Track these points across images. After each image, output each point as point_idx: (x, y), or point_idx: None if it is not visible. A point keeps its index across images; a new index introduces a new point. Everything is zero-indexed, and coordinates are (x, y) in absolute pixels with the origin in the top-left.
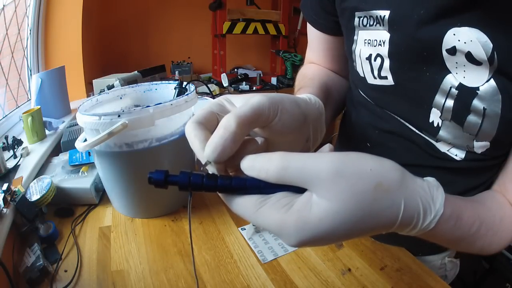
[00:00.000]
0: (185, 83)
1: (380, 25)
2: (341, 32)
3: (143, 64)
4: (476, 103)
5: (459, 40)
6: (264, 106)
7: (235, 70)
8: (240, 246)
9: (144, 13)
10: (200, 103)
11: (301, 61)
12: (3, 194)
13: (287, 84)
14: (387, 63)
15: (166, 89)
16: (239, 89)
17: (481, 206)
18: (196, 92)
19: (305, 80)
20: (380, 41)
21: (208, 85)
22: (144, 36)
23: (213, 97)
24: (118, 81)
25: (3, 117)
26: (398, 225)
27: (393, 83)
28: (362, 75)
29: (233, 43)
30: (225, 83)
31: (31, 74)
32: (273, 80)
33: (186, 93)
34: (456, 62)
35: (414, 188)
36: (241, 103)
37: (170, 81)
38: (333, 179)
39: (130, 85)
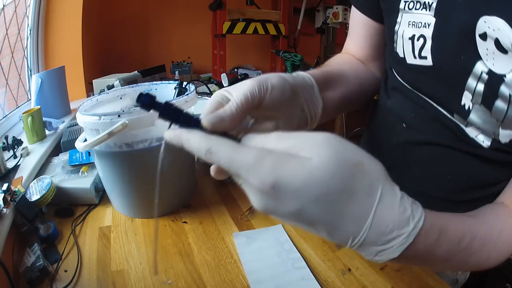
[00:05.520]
0: (185, 83)
1: (426, 10)
2: (382, 19)
3: (143, 64)
4: (503, 89)
5: (489, 27)
6: (254, 88)
7: (235, 70)
8: None
9: (144, 13)
10: (200, 103)
11: (301, 61)
12: (3, 194)
13: None
14: (429, 44)
15: (166, 89)
16: None
17: (473, 219)
18: (196, 92)
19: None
20: (425, 23)
21: (208, 85)
22: (144, 36)
23: None
24: (118, 81)
25: (3, 117)
26: (370, 226)
27: (431, 64)
28: (401, 55)
29: (233, 43)
30: (225, 83)
31: (31, 74)
32: None
33: (186, 93)
34: (487, 49)
35: (394, 193)
36: (236, 92)
37: (170, 81)
38: (320, 144)
39: (130, 85)
